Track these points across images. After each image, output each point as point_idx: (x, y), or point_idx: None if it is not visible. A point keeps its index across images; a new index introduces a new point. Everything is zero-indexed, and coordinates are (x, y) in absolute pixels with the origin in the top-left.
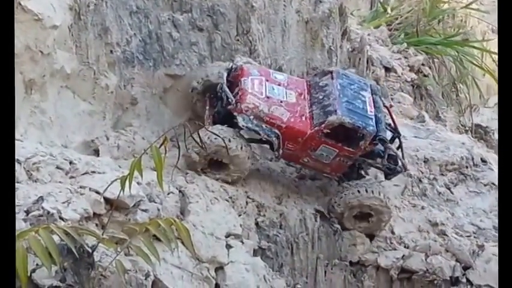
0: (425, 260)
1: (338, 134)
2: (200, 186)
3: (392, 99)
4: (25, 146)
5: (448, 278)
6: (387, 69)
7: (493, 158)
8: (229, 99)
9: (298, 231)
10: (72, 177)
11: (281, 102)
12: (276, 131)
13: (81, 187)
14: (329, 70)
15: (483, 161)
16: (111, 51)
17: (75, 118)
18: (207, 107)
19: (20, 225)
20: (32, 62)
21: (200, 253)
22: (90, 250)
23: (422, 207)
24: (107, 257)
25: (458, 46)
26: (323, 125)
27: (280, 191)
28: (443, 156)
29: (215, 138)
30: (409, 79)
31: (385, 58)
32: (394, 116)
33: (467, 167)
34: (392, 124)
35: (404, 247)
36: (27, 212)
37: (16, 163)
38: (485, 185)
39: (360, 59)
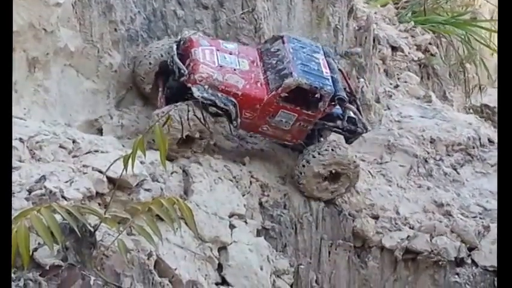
0: (430, 240)
1: (296, 97)
2: (204, 166)
3: (398, 78)
4: (28, 124)
5: (453, 259)
6: (394, 48)
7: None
8: (182, 71)
9: (302, 212)
10: (75, 156)
11: (234, 70)
12: (232, 99)
13: (84, 166)
14: (279, 35)
15: (490, 141)
16: (115, 29)
17: (79, 97)
18: (160, 89)
19: (22, 204)
20: (35, 40)
21: (203, 233)
22: (92, 229)
23: (428, 188)
24: (109, 237)
25: (466, 26)
26: (280, 89)
27: (284, 171)
28: (449, 136)
29: (192, 115)
30: (416, 58)
31: (392, 37)
32: (348, 79)
33: (474, 148)
34: (347, 88)
35: (409, 228)
36: (30, 191)
37: (19, 142)
38: (491, 166)
39: (366, 37)
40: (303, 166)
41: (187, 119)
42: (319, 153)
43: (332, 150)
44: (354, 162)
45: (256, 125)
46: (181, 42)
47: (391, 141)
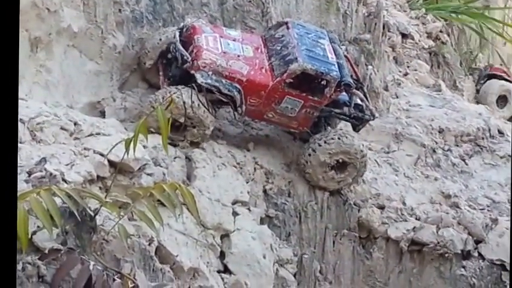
0: (437, 232)
1: (301, 83)
2: (207, 151)
3: (408, 66)
4: (29, 105)
5: (460, 252)
6: (404, 36)
7: (510, 129)
8: (185, 57)
9: (307, 200)
10: (76, 138)
11: (238, 56)
12: (237, 85)
13: (85, 149)
14: (283, 21)
15: (500, 132)
16: (120, 10)
17: (82, 78)
18: (161, 73)
19: (22, 186)
20: (38, 20)
21: (205, 220)
22: (92, 214)
23: (436, 179)
24: (110, 221)
25: (478, 16)
26: (285, 75)
27: (289, 158)
28: (459, 126)
29: (178, 98)
30: (426, 46)
31: (402, 24)
32: (354, 66)
33: (483, 138)
34: (354, 74)
35: (416, 219)
36: (29, 173)
37: (19, 123)
38: (501, 157)
39: (375, 24)
40: (309, 155)
41: (192, 103)
42: (325, 142)
43: (339, 138)
44: (361, 151)
45: (261, 112)
46: (184, 29)
47: (399, 130)
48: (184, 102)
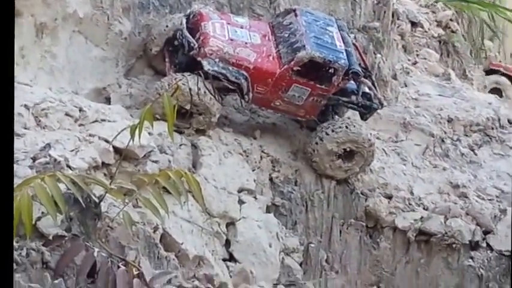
0: (445, 222)
1: (309, 71)
2: (213, 139)
3: (417, 55)
4: (34, 91)
5: (468, 242)
6: (413, 24)
7: None
8: (192, 44)
9: (314, 189)
10: (81, 124)
11: (246, 43)
12: (244, 72)
13: (90, 135)
14: (291, 8)
15: (510, 122)
16: None
17: (87, 64)
18: (167, 60)
19: (26, 172)
20: (44, 5)
21: (211, 207)
22: (97, 200)
23: (444, 168)
24: (115, 208)
25: (489, 5)
26: (292, 62)
27: (296, 146)
28: (468, 116)
29: (184, 84)
30: (436, 35)
31: (412, 12)
32: (362, 54)
33: (492, 128)
34: (362, 63)
35: (423, 209)
36: (34, 159)
37: (24, 108)
38: (511, 148)
39: (385, 12)
40: (316, 143)
41: (198, 90)
42: (332, 131)
43: (346, 127)
44: (369, 140)
45: (268, 100)
46: (191, 16)
47: (407, 120)
48: (190, 89)
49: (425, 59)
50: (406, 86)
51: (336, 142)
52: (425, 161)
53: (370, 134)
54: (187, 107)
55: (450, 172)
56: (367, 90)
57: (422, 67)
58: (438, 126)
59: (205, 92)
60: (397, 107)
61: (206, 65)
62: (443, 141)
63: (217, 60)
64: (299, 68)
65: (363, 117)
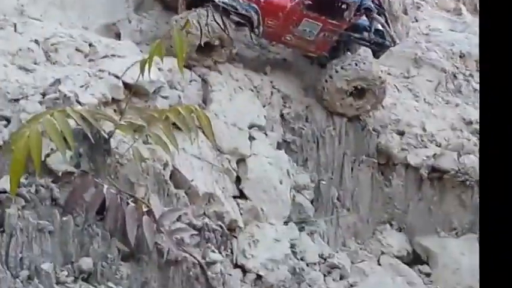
0: (458, 159)
1: (321, 6)
2: (224, 74)
3: None
4: (44, 26)
5: None
6: None
7: None
8: None
9: (325, 125)
10: (91, 60)
11: None
12: (255, 5)
13: (100, 71)
14: None
15: None
16: None
17: None
18: None
19: (36, 107)
20: None
21: (221, 144)
22: (106, 136)
23: (456, 104)
24: (124, 144)
25: None
26: None
27: (307, 82)
28: None
29: (211, 21)
30: None
31: None
32: None
33: None
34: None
35: (436, 145)
36: (43, 95)
37: (34, 43)
38: None
39: None
40: (326, 81)
41: (206, 24)
42: (342, 68)
43: (356, 65)
44: (380, 77)
45: (279, 34)
46: None
47: (419, 55)
48: (218, 23)
49: None
50: (416, 21)
51: (345, 80)
52: (437, 97)
53: (381, 71)
54: (209, 40)
55: (463, 108)
56: (379, 27)
57: (433, 2)
58: (450, 61)
59: (219, 24)
60: (408, 42)
61: None
62: (455, 76)
63: None
64: (310, 2)
65: (375, 54)
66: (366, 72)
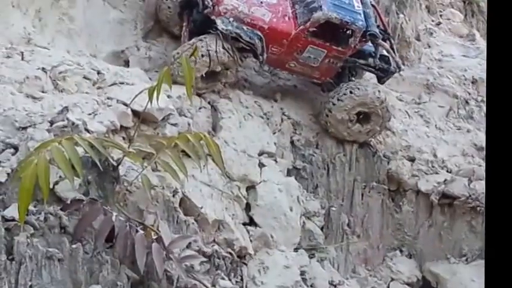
0: (469, 185)
1: (325, 32)
2: (233, 101)
3: (441, 15)
4: (52, 54)
5: None
6: None
7: None
8: (206, 2)
9: (335, 152)
10: (99, 87)
11: (261, 3)
12: (259, 32)
13: (108, 98)
14: None
15: None
16: None
17: (105, 27)
18: (185, 23)
19: (44, 135)
20: None
21: (231, 171)
22: (115, 164)
23: (468, 130)
24: (133, 172)
25: None
26: (308, 23)
27: (317, 109)
28: None
29: (220, 48)
30: None
31: None
32: (382, 16)
33: None
34: (381, 25)
35: (447, 171)
36: (51, 123)
37: (42, 71)
38: None
39: None
40: (327, 116)
41: (216, 51)
42: (338, 100)
43: (350, 92)
44: (378, 98)
45: (283, 61)
46: None
47: (431, 81)
48: (215, 51)
49: (449, 19)
50: (429, 46)
51: (344, 110)
52: (448, 123)
53: (378, 91)
54: (214, 68)
55: (474, 134)
56: (385, 52)
57: (446, 28)
58: (462, 87)
59: (232, 49)
60: (420, 68)
61: (220, 24)
62: (467, 102)
63: (231, 19)
64: (315, 29)
65: (380, 80)
66: (362, 97)
